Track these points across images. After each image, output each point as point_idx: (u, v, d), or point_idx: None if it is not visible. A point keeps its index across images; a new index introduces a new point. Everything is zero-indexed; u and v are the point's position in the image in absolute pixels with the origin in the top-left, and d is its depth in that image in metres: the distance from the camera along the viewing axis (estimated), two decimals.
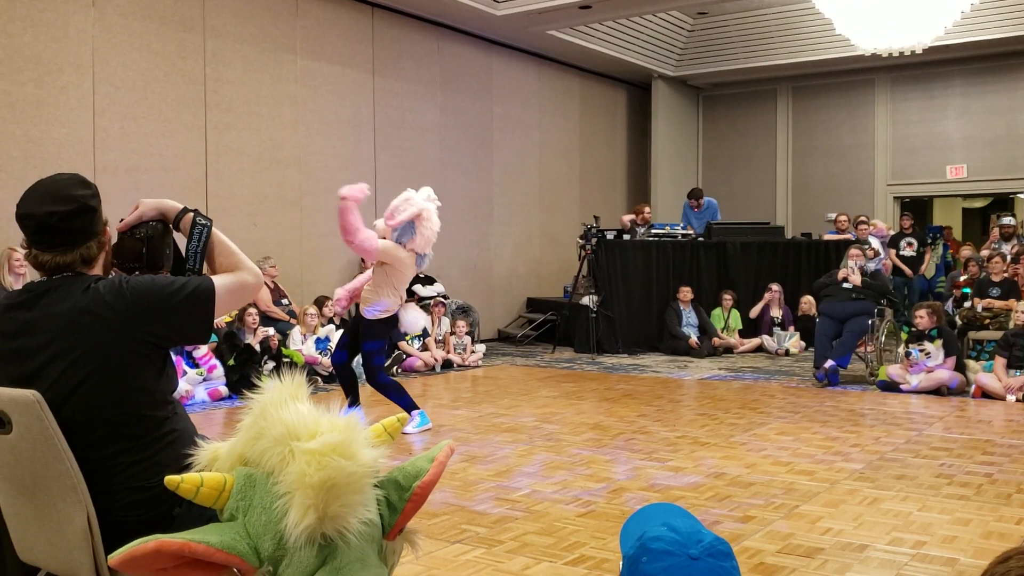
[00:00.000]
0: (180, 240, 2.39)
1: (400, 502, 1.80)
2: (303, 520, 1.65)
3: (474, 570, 3.44)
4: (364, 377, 6.26)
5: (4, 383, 2.10)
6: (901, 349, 8.17)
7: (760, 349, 10.92)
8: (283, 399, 1.81)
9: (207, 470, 1.86)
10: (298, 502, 1.67)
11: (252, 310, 8.17)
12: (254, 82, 9.38)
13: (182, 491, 1.75)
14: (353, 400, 6.09)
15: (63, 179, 2.20)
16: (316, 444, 1.71)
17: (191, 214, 2.35)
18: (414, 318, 6.46)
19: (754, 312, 11.14)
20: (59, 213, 2.12)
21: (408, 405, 6.01)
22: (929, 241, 12.51)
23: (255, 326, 8.06)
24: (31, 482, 2.09)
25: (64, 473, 2.04)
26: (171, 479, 1.76)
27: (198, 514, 1.97)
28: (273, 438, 1.76)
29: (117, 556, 1.63)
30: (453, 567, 3.47)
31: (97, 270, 2.22)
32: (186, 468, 2.19)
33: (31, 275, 6.81)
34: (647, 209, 12.35)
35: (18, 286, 6.81)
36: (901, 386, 7.80)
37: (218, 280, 2.26)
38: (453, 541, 3.79)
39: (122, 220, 2.33)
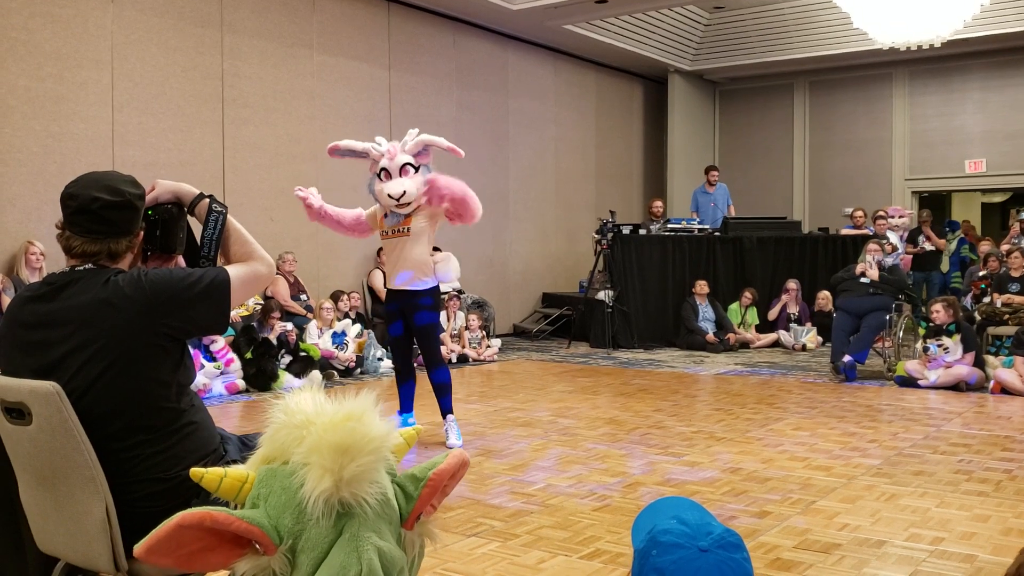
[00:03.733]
0: (194, 224, 2.40)
1: (416, 491, 1.83)
2: (320, 484, 1.68)
3: (489, 563, 3.45)
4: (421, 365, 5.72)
5: (24, 374, 2.12)
6: (919, 344, 8.12)
7: (777, 344, 10.88)
8: (303, 396, 1.85)
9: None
10: (314, 467, 1.70)
11: (277, 312, 8.20)
12: (271, 77, 9.42)
13: (206, 482, 1.77)
14: (410, 388, 5.69)
15: (116, 174, 2.27)
16: (329, 415, 1.77)
17: (207, 200, 2.36)
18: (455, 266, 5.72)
19: (772, 315, 11.07)
20: (102, 200, 2.16)
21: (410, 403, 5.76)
22: (948, 232, 12.42)
23: (276, 321, 8.10)
24: (50, 473, 2.11)
25: (83, 464, 2.06)
26: (196, 471, 1.78)
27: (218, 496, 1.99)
28: (294, 425, 1.80)
29: (142, 545, 1.64)
30: (468, 560, 3.48)
31: (121, 267, 2.23)
32: (203, 460, 2.22)
33: (48, 270, 6.89)
34: (658, 203, 12.38)
35: (34, 279, 6.89)
36: (919, 382, 7.75)
37: (233, 271, 2.28)
38: (468, 534, 3.80)
39: None
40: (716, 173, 12.53)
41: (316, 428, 1.75)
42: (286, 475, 1.75)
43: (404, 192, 5.27)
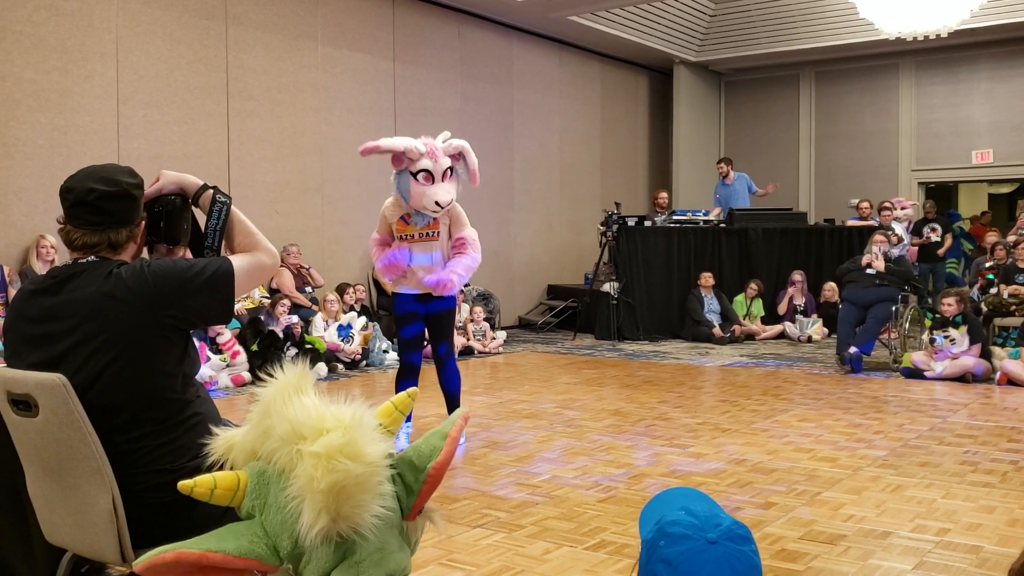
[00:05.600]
0: (200, 217, 2.40)
1: (416, 483, 1.80)
2: (316, 523, 1.66)
3: (495, 554, 3.45)
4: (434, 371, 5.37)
5: (30, 367, 2.13)
6: (925, 336, 8.09)
7: (782, 336, 10.86)
8: (287, 395, 1.79)
9: (224, 459, 1.87)
10: (309, 506, 1.67)
11: (285, 301, 8.21)
12: (275, 69, 9.41)
13: (196, 494, 1.76)
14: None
15: (114, 165, 2.28)
16: (321, 447, 1.69)
17: (211, 191, 2.37)
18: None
19: (782, 308, 11.04)
20: (97, 191, 2.17)
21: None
22: (949, 224, 12.42)
23: (283, 314, 8.11)
24: (57, 464, 2.12)
25: (89, 456, 2.06)
26: (184, 484, 1.76)
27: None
28: (279, 437, 1.75)
29: (141, 563, 1.66)
30: (474, 551, 3.49)
31: (123, 258, 2.23)
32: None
33: (59, 262, 6.90)
34: (663, 194, 12.37)
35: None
36: (925, 373, 7.74)
37: (236, 261, 2.28)
38: (474, 525, 3.81)
39: None
40: (723, 166, 12.51)
41: (307, 459, 1.69)
42: (279, 488, 1.72)
43: (451, 200, 4.92)
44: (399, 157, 4.87)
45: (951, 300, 7.76)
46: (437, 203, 4.86)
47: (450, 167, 4.91)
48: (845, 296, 8.75)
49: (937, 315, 7.99)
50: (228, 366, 7.58)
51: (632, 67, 14.87)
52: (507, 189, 12.51)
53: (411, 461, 1.82)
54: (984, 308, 8.80)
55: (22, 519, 2.41)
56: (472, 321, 10.03)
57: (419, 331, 5.27)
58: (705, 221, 11.66)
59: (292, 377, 1.82)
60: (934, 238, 11.95)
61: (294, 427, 1.74)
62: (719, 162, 12.80)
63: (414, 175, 4.84)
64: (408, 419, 5.20)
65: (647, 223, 11.41)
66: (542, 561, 3.38)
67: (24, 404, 2.11)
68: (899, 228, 10.68)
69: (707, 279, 10.88)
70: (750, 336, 10.81)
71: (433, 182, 4.84)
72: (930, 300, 10.52)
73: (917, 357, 7.89)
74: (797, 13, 13.36)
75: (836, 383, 7.64)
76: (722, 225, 11.65)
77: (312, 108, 9.82)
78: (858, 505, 4.07)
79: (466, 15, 11.65)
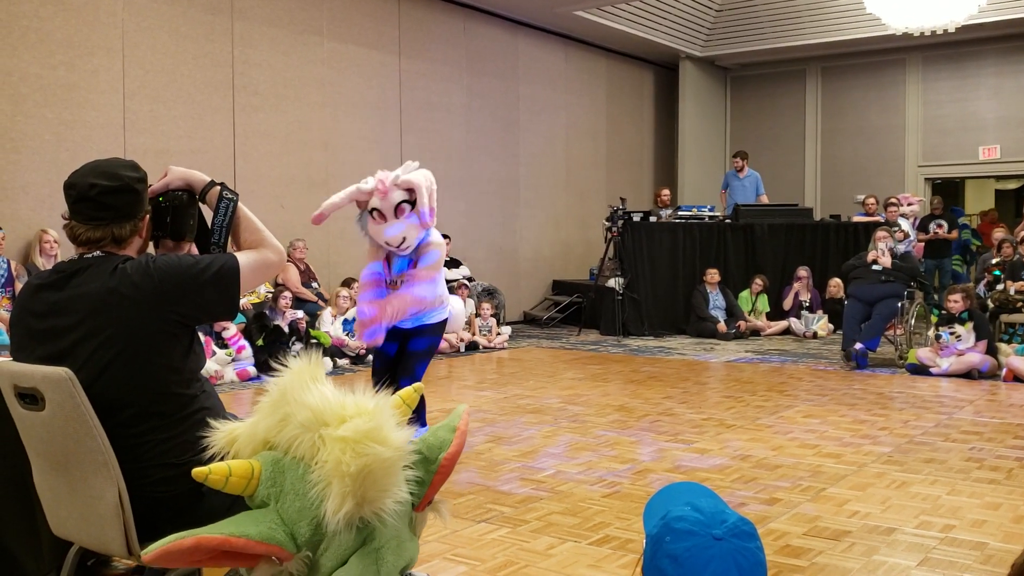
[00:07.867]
0: (206, 213, 2.41)
1: (428, 475, 1.82)
2: (342, 507, 1.67)
3: (499, 549, 3.46)
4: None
5: (36, 362, 2.14)
6: (931, 332, 8.08)
7: (788, 332, 10.85)
8: (303, 382, 1.79)
9: (225, 452, 1.86)
10: (336, 490, 1.68)
11: (287, 293, 8.23)
12: (281, 64, 9.42)
13: (211, 482, 1.75)
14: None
15: (117, 160, 2.28)
16: (348, 432, 1.70)
17: (218, 187, 2.37)
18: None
19: (787, 304, 11.03)
20: (99, 186, 2.17)
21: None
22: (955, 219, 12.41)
23: (287, 308, 8.13)
24: (64, 458, 2.13)
25: (96, 449, 2.07)
26: (199, 471, 1.76)
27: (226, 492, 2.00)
28: (300, 424, 1.75)
29: (152, 552, 1.64)
30: (478, 546, 3.49)
31: (129, 252, 2.24)
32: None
33: (62, 258, 6.92)
34: (665, 192, 12.39)
35: (49, 267, 6.94)
36: (931, 369, 7.72)
37: (242, 258, 2.28)
38: (478, 520, 3.81)
39: (150, 186, 2.35)
40: (739, 160, 12.51)
41: (333, 444, 1.70)
42: (297, 477, 1.73)
43: (404, 239, 4.50)
44: (360, 201, 4.55)
45: (957, 296, 7.74)
46: (387, 242, 4.52)
47: (406, 201, 4.48)
48: (851, 292, 8.73)
49: (943, 311, 7.97)
50: (233, 360, 7.59)
51: (638, 62, 14.84)
52: (512, 184, 12.51)
53: (423, 455, 1.83)
54: (990, 304, 8.78)
55: (29, 512, 2.42)
56: (479, 316, 10.05)
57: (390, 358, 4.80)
58: (711, 216, 11.65)
59: (306, 366, 1.84)
60: (941, 232, 11.92)
61: (315, 414, 1.74)
62: (735, 156, 12.78)
63: (370, 214, 4.56)
64: (424, 424, 5.05)
65: (652, 219, 11.41)
66: (546, 556, 3.39)
67: (31, 398, 2.12)
68: (905, 224, 10.67)
69: (712, 275, 10.87)
70: (755, 332, 10.80)
71: (385, 220, 4.49)
72: (936, 296, 10.50)
73: (923, 353, 7.88)
74: (803, 8, 13.32)
75: (841, 379, 7.63)
76: (727, 220, 11.64)
77: (318, 103, 9.82)
78: (863, 501, 4.07)
79: (472, 10, 11.64)
